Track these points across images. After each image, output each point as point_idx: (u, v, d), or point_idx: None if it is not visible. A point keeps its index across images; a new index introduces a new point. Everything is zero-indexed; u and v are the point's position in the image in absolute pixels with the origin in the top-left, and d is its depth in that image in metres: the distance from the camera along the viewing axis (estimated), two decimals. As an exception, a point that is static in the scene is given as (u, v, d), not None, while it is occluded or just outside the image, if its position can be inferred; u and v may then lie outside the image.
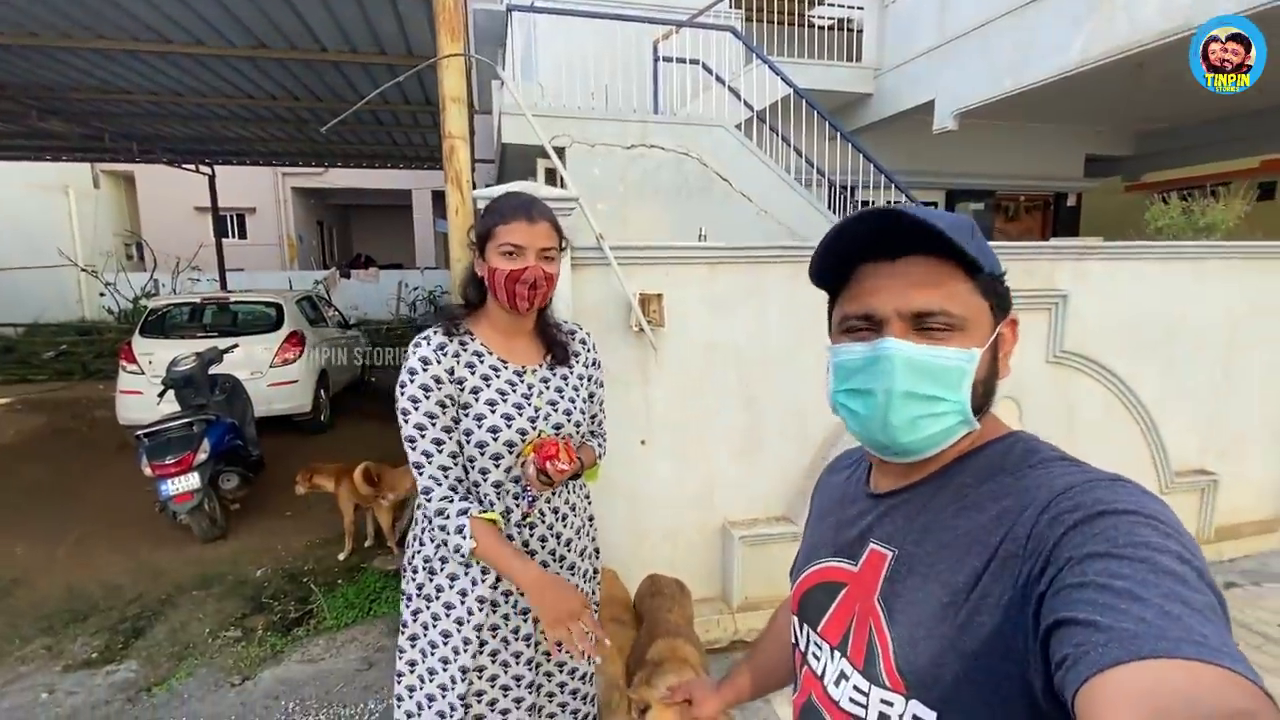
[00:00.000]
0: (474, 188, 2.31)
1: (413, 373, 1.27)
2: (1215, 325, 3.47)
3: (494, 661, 1.37)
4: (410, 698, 1.41)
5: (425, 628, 1.39)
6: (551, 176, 4.55)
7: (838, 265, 0.69)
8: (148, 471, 3.65)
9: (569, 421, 1.38)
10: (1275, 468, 3.71)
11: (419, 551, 1.41)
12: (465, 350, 1.33)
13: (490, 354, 1.35)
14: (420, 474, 1.28)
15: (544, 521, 1.39)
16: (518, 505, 1.35)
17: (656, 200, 5.04)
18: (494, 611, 1.36)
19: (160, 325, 6.00)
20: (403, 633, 1.43)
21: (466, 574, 1.35)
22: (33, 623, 3.08)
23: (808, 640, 0.76)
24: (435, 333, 1.32)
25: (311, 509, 4.20)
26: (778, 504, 2.91)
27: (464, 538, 1.23)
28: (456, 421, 1.30)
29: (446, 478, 1.28)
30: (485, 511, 1.28)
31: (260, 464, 4.52)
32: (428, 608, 1.38)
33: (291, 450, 5.42)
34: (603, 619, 1.90)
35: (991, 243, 0.69)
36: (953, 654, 0.57)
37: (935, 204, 8.57)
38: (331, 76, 4.86)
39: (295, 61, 4.45)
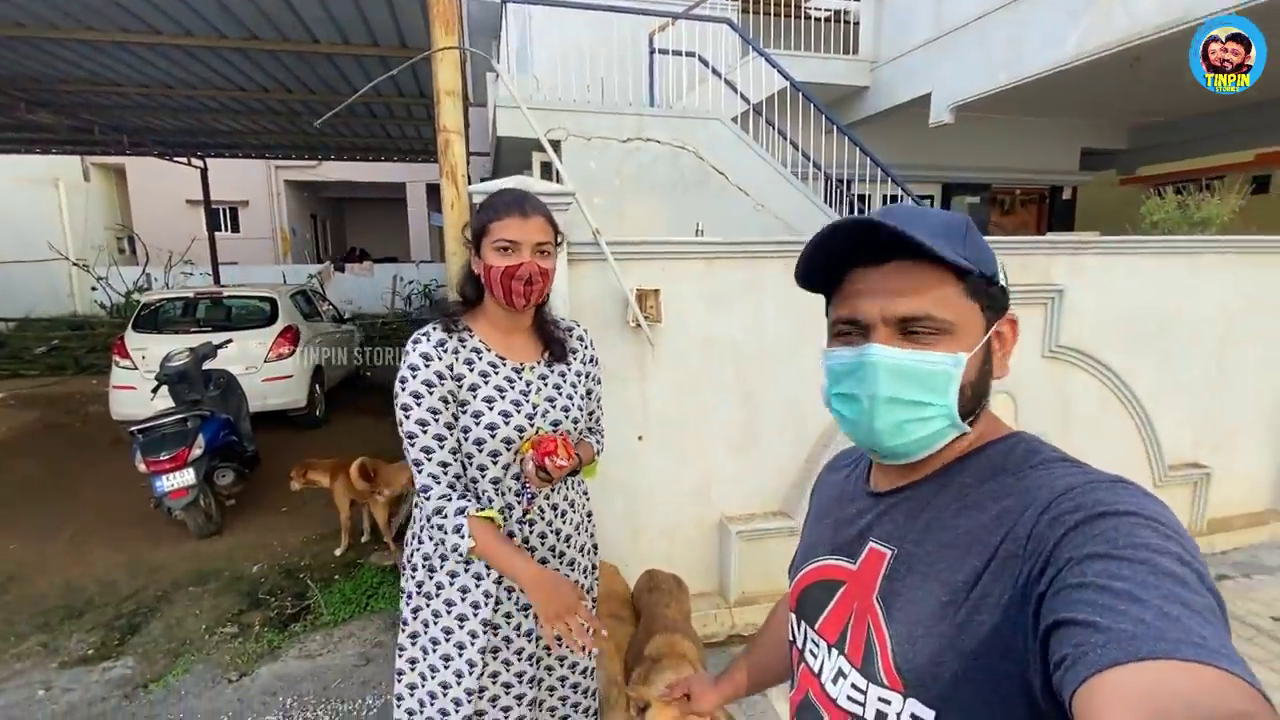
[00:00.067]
0: (469, 182, 2.30)
1: (414, 369, 1.27)
2: (1210, 319, 3.49)
3: (495, 658, 1.38)
4: (411, 695, 1.41)
5: (425, 625, 1.39)
6: (547, 170, 4.52)
7: (829, 268, 0.69)
8: (142, 467, 3.63)
9: (567, 418, 1.38)
10: (1267, 461, 3.75)
11: (418, 549, 1.40)
12: (464, 347, 1.32)
13: (488, 350, 1.34)
14: (419, 471, 1.27)
15: (543, 518, 1.39)
16: (518, 502, 1.35)
17: (653, 194, 5.02)
18: (497, 608, 1.36)
19: (153, 320, 5.97)
20: (402, 630, 1.43)
21: (466, 571, 1.35)
22: (28, 619, 3.07)
23: (805, 637, 0.76)
24: (435, 329, 1.31)
25: (307, 505, 4.20)
26: (774, 499, 2.92)
27: (462, 537, 1.23)
28: (455, 418, 1.30)
29: (445, 474, 1.27)
30: (483, 509, 1.27)
31: (255, 460, 4.50)
32: (427, 605, 1.38)
33: (286, 446, 5.40)
34: (601, 614, 1.91)
35: (987, 237, 0.69)
36: (951, 653, 0.57)
37: (931, 198, 8.56)
38: (324, 69, 4.82)
39: (287, 53, 4.41)
